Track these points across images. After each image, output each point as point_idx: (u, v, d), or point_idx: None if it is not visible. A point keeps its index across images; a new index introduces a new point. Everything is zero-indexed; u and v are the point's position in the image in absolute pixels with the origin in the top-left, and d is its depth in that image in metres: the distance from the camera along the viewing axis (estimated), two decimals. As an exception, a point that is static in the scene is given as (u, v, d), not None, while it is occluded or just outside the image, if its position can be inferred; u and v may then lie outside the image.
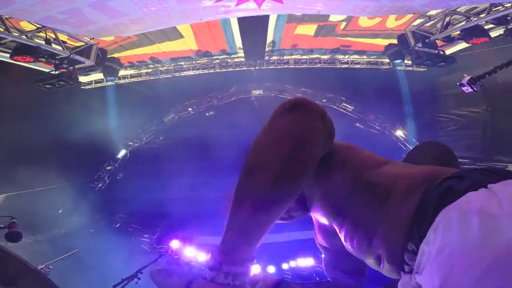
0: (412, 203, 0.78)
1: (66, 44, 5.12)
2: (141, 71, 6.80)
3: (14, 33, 4.41)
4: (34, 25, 4.54)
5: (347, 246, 1.01)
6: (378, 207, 0.83)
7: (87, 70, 5.82)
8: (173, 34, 5.66)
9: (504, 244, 0.55)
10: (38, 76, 5.24)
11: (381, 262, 0.88)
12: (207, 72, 6.88)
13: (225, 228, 0.74)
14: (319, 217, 1.08)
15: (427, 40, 5.27)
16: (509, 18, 4.50)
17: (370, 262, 0.93)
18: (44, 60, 4.94)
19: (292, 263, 8.10)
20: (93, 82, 6.52)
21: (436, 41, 5.32)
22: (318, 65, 6.90)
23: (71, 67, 5.26)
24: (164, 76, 6.86)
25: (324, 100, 8.00)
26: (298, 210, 1.35)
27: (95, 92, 6.65)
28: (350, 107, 8.01)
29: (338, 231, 1.00)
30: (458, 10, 4.76)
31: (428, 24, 5.34)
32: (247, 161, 0.76)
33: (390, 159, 0.98)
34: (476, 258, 0.57)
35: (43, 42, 4.72)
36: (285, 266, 7.75)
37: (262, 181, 0.72)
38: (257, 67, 6.99)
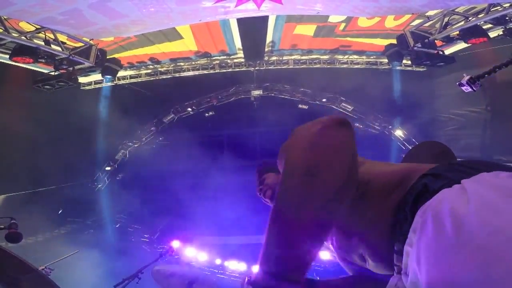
0: (392, 201, 0.78)
1: (66, 45, 5.13)
2: (140, 72, 6.81)
3: (13, 34, 4.41)
4: (34, 26, 4.55)
5: (329, 245, 1.03)
6: (354, 206, 0.81)
7: (86, 71, 5.83)
8: (172, 35, 5.66)
9: (474, 243, 0.56)
10: (37, 77, 5.24)
11: (365, 260, 0.89)
12: (207, 72, 6.89)
13: (272, 239, 0.65)
14: None
15: (426, 40, 5.28)
16: (507, 18, 4.52)
17: (355, 259, 0.93)
18: (43, 61, 4.94)
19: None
20: (93, 82, 6.53)
21: (435, 41, 5.33)
22: (318, 65, 6.90)
23: (71, 68, 5.27)
24: (164, 77, 6.87)
25: (324, 100, 8.01)
26: None
27: (95, 93, 6.66)
28: (349, 107, 8.02)
29: None
30: (456, 10, 4.78)
31: (427, 24, 5.36)
32: (302, 163, 0.68)
33: (367, 159, 0.99)
34: (451, 260, 0.57)
35: (43, 43, 4.72)
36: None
37: (328, 186, 0.66)
38: (256, 68, 7.00)
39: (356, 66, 6.86)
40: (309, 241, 0.64)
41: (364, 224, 0.83)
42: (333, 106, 8.04)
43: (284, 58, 6.96)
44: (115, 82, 6.60)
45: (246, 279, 0.67)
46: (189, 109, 8.07)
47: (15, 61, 4.63)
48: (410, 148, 7.47)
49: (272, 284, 0.61)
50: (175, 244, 3.52)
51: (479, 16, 4.59)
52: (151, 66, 6.78)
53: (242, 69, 7.00)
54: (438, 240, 0.60)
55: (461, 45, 5.44)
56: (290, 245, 0.63)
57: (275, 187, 1.47)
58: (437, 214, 0.63)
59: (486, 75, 2.60)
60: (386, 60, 6.39)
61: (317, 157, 0.68)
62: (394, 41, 5.76)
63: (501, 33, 4.76)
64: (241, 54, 6.75)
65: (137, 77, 6.82)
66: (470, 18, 4.71)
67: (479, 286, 0.53)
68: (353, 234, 0.87)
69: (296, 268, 0.63)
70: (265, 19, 5.42)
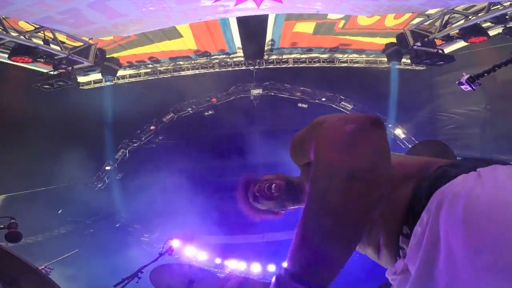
0: (408, 188, 0.81)
1: (65, 44, 5.12)
2: (140, 71, 6.80)
3: (12, 34, 4.40)
4: (33, 25, 4.53)
5: None
6: None
7: (86, 70, 5.82)
8: (172, 33, 5.65)
9: (485, 217, 0.60)
10: (36, 77, 5.23)
11: (380, 250, 0.89)
12: (206, 71, 6.88)
13: (305, 240, 0.62)
14: None
15: (425, 39, 5.28)
16: (507, 17, 4.51)
17: (369, 252, 0.94)
18: (42, 60, 4.93)
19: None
20: (92, 82, 6.52)
21: (435, 40, 5.32)
22: (317, 64, 6.90)
23: (70, 68, 5.25)
24: (163, 76, 6.86)
25: (324, 99, 8.01)
26: (290, 200, 1.37)
27: (94, 92, 6.65)
28: (349, 106, 8.02)
29: None
30: (456, 9, 4.77)
31: (427, 23, 5.35)
32: (342, 164, 0.63)
33: None
34: (465, 233, 0.61)
35: (42, 43, 4.71)
36: (285, 264, 7.78)
37: (373, 190, 0.63)
38: (256, 67, 6.99)
39: (355, 65, 6.85)
40: (347, 246, 0.62)
41: (385, 210, 0.82)
42: (333, 105, 8.04)
43: (284, 57, 6.95)
44: (114, 82, 6.59)
45: (274, 279, 0.65)
46: (189, 108, 8.07)
47: (14, 61, 4.61)
48: (410, 147, 7.47)
49: (303, 285, 0.60)
50: (175, 243, 3.52)
51: (479, 15, 4.59)
52: (150, 65, 6.77)
53: (242, 68, 6.99)
54: (453, 217, 0.64)
55: (461, 44, 5.44)
56: (327, 249, 0.61)
57: (281, 180, 1.35)
58: (454, 194, 0.67)
59: (485, 74, 2.60)
60: (385, 59, 6.39)
61: (359, 159, 0.64)
62: (393, 40, 5.76)
63: (501, 32, 4.76)
64: (240, 53, 6.74)
65: (136, 77, 6.81)
66: (470, 17, 4.70)
67: (490, 260, 0.56)
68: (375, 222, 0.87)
69: (330, 273, 0.61)
70: (264, 17, 5.41)
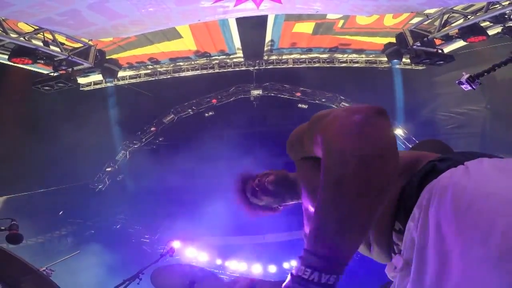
0: (399, 183, 0.82)
1: (65, 46, 5.12)
2: (140, 72, 6.81)
3: (12, 35, 4.41)
4: (32, 27, 4.54)
5: None
6: None
7: (86, 72, 5.82)
8: (172, 33, 5.66)
9: (473, 209, 0.62)
10: (37, 78, 5.24)
11: (371, 245, 0.90)
12: (206, 72, 6.89)
13: (321, 225, 0.65)
14: (309, 206, 1.10)
15: (425, 39, 5.28)
16: (506, 16, 4.52)
17: (361, 248, 0.95)
18: (42, 62, 4.93)
19: (294, 262, 8.12)
20: (92, 83, 6.53)
21: (434, 39, 5.33)
22: (317, 64, 6.91)
23: (70, 69, 5.26)
24: (163, 77, 6.87)
25: (324, 100, 8.01)
26: (288, 194, 1.36)
27: (95, 94, 6.66)
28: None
29: None
30: (455, 8, 4.78)
31: (426, 23, 5.36)
32: (354, 152, 0.65)
33: None
34: (455, 227, 0.63)
35: (41, 44, 4.71)
36: (286, 265, 7.78)
37: (384, 176, 0.65)
38: (256, 67, 7.00)
39: (355, 65, 6.86)
40: (363, 228, 0.65)
41: None
42: (333, 105, 8.04)
43: (284, 57, 6.96)
44: (114, 83, 6.60)
45: (297, 261, 0.66)
46: (189, 109, 8.07)
47: (14, 62, 4.61)
48: (411, 146, 7.47)
49: (329, 265, 0.63)
50: (176, 244, 3.52)
51: (478, 14, 4.59)
52: (150, 66, 6.78)
53: (242, 68, 7.00)
54: (443, 211, 0.66)
55: (460, 43, 5.45)
56: (345, 232, 0.64)
57: (274, 174, 1.36)
58: (442, 188, 0.69)
59: (485, 73, 2.60)
60: (385, 59, 6.39)
61: (369, 146, 0.66)
62: (393, 40, 5.76)
63: (500, 31, 4.76)
64: (240, 53, 6.75)
65: (136, 78, 6.82)
66: (469, 17, 4.71)
67: (478, 248, 0.58)
68: None
69: (349, 253, 0.65)
70: (264, 18, 5.42)
